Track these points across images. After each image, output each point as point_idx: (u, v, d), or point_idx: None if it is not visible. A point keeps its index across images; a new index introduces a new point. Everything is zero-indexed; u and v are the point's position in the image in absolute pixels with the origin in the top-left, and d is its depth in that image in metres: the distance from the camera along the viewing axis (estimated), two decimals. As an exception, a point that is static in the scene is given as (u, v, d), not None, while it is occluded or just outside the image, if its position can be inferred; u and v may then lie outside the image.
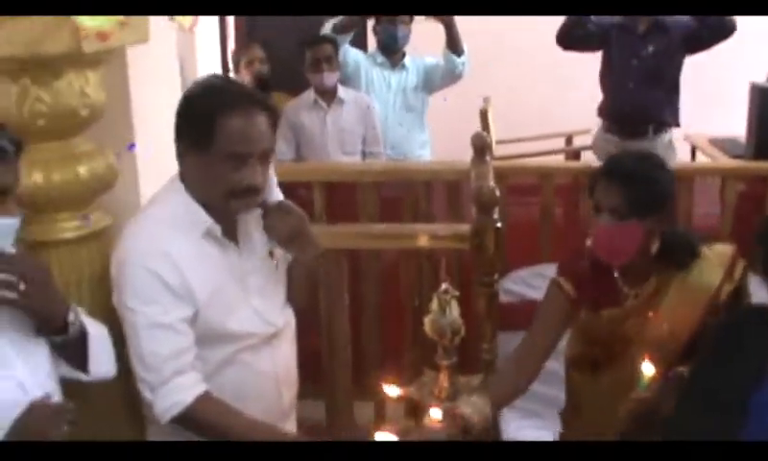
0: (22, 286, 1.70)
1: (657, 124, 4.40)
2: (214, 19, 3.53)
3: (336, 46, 4.26)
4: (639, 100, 4.34)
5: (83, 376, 1.92)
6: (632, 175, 2.16)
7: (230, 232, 2.12)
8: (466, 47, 4.45)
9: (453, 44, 4.39)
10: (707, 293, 2.22)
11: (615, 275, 2.29)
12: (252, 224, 2.16)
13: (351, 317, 3.00)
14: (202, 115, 1.96)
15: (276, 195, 2.25)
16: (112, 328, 2.07)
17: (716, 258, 2.27)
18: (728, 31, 4.16)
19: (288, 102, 4.47)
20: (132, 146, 2.35)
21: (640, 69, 4.35)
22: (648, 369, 2.03)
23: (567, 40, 4.46)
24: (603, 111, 4.59)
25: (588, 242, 2.29)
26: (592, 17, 4.36)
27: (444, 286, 2.10)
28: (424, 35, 4.62)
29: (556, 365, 2.51)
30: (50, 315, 1.79)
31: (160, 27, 2.11)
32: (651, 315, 2.25)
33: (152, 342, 1.99)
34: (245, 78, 4.56)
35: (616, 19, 4.45)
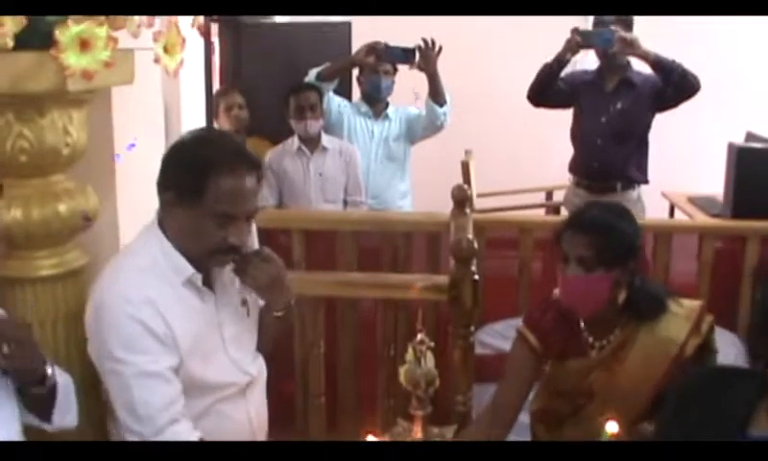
0: (5, 349, 1.73)
1: (625, 180, 4.41)
2: (200, 63, 3.55)
3: (321, 94, 4.29)
4: (607, 156, 4.36)
5: (46, 426, 1.91)
6: (598, 226, 2.20)
7: (207, 281, 2.11)
8: (449, 97, 4.48)
9: (436, 94, 4.43)
10: (673, 346, 2.25)
11: (581, 325, 2.32)
12: (226, 272, 2.14)
13: (326, 364, 2.99)
14: (194, 169, 1.95)
15: (253, 241, 2.24)
16: (86, 369, 2.06)
17: (683, 312, 2.31)
18: (692, 90, 4.18)
19: (268, 148, 4.49)
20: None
21: (609, 126, 4.37)
22: (612, 427, 1.99)
23: (538, 98, 4.48)
24: (573, 167, 4.62)
25: (555, 293, 2.34)
26: (562, 74, 4.41)
27: (419, 337, 2.10)
28: (408, 85, 4.68)
29: (525, 418, 2.52)
30: (31, 372, 1.81)
31: (146, 69, 2.12)
32: (616, 367, 2.26)
33: (143, 391, 1.94)
34: (223, 123, 4.58)
35: (586, 77, 4.53)
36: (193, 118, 3.49)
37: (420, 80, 4.50)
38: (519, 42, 6.79)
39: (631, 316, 2.28)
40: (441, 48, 4.34)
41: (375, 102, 4.58)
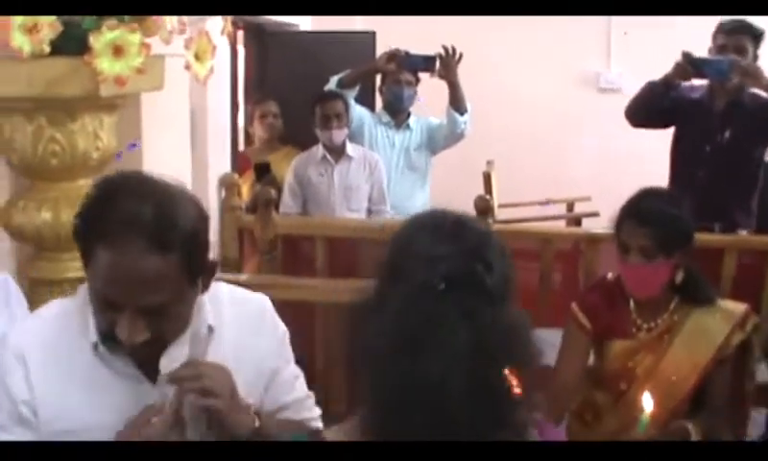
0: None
1: (726, 223, 3.75)
2: (226, 70, 3.58)
3: (346, 103, 4.30)
4: (709, 192, 3.67)
5: None
6: (657, 216, 2.27)
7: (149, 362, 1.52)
8: (469, 106, 4.48)
9: (456, 102, 4.42)
10: (719, 336, 2.32)
11: (631, 307, 2.39)
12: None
13: (348, 373, 3.00)
14: (83, 227, 1.45)
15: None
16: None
17: (731, 308, 2.39)
18: None
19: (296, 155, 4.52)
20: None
21: (713, 157, 3.74)
22: (648, 403, 2.03)
23: (638, 118, 3.94)
24: None
25: (609, 276, 2.45)
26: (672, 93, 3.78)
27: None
28: (430, 94, 4.69)
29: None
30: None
31: (175, 75, 2.15)
32: (661, 351, 2.33)
33: None
34: (258, 130, 4.62)
35: (693, 95, 3.85)
36: (218, 125, 3.51)
37: (441, 88, 4.50)
38: (543, 52, 6.82)
39: (682, 301, 2.36)
40: (461, 56, 4.34)
41: (397, 112, 4.59)
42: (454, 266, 1.23)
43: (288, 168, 4.35)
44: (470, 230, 1.30)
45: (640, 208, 2.31)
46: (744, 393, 2.60)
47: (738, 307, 2.40)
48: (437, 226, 1.30)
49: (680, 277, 2.31)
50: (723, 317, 2.35)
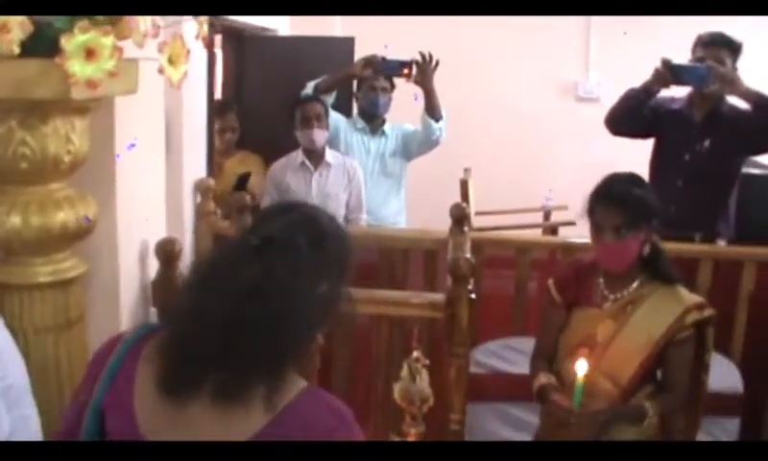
0: None
1: (706, 232, 3.85)
2: (203, 74, 3.56)
3: (326, 107, 4.29)
4: (689, 201, 3.77)
5: None
6: (626, 196, 2.50)
7: None
8: (445, 113, 4.48)
9: (432, 109, 4.43)
10: (675, 313, 2.53)
11: (600, 280, 2.62)
12: None
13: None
14: None
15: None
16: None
17: (690, 295, 2.61)
18: None
19: (256, 163, 4.52)
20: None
21: (693, 166, 3.83)
22: (581, 367, 2.35)
23: (618, 125, 3.99)
24: None
25: (580, 256, 2.75)
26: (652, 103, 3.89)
27: (414, 354, 2.11)
28: (406, 101, 4.68)
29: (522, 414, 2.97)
30: None
31: (149, 78, 2.13)
32: (623, 319, 2.55)
33: None
34: (215, 142, 4.59)
35: (673, 105, 3.95)
36: (194, 129, 3.49)
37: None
38: (521, 60, 6.84)
39: (648, 276, 2.59)
40: (438, 62, 4.34)
41: (372, 118, 4.59)
42: (276, 232, 1.50)
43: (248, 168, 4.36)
44: (311, 216, 1.58)
45: (610, 191, 2.53)
46: (700, 383, 2.71)
47: (697, 297, 2.63)
48: (291, 208, 1.63)
49: (647, 250, 2.55)
50: (681, 298, 2.57)
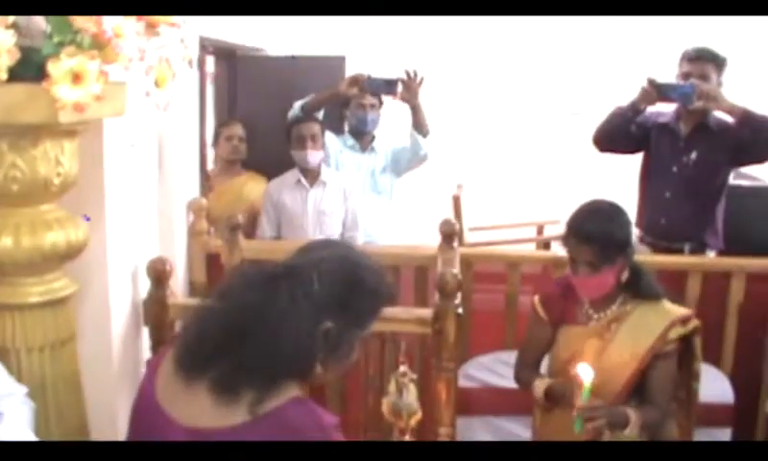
0: None
1: (695, 243, 3.91)
2: (195, 97, 3.59)
3: (322, 126, 4.31)
4: (677, 213, 3.88)
5: None
6: (597, 235, 2.50)
7: None
8: (431, 129, 4.50)
9: (419, 125, 4.44)
10: (659, 328, 2.55)
11: (584, 300, 2.65)
12: None
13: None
14: None
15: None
16: (71, 397, 2.08)
17: (674, 309, 2.62)
18: None
19: (262, 184, 4.53)
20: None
21: (680, 178, 3.89)
22: (586, 373, 2.34)
23: (606, 143, 4.04)
24: (638, 221, 4.04)
25: (564, 274, 2.71)
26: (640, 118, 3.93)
27: (401, 368, 2.13)
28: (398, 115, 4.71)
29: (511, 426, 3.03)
30: None
31: (139, 100, 2.16)
32: (608, 337, 2.58)
33: None
34: (222, 152, 4.64)
35: (660, 120, 4.00)
36: (186, 149, 3.52)
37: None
38: (513, 76, 6.88)
39: (629, 294, 2.61)
40: (423, 79, 4.36)
41: (362, 135, 4.61)
42: (297, 265, 1.72)
43: (250, 191, 4.38)
44: (329, 254, 1.78)
45: (580, 229, 2.53)
46: (691, 390, 2.76)
47: (682, 310, 2.64)
48: (330, 246, 1.89)
49: (625, 276, 2.57)
50: (665, 313, 2.59)
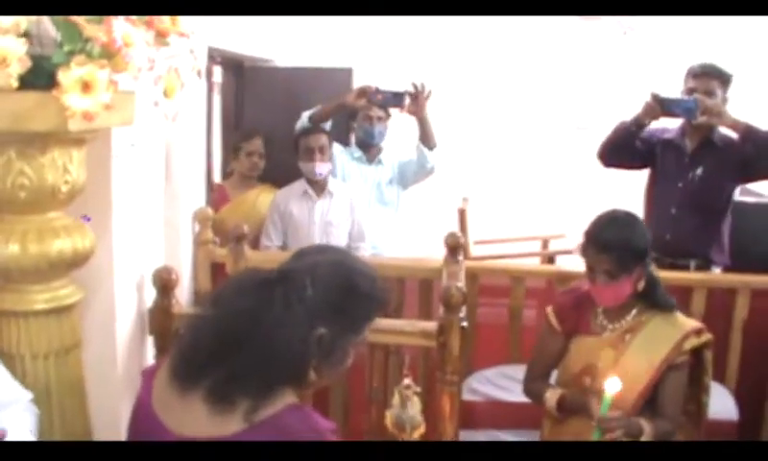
0: None
1: (700, 260, 3.89)
2: (203, 107, 3.60)
3: (330, 138, 4.31)
4: (682, 229, 3.86)
5: None
6: (615, 244, 2.53)
7: None
8: (438, 142, 4.51)
9: (426, 138, 4.46)
10: (673, 339, 2.57)
11: (598, 310, 2.69)
12: None
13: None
14: None
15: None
16: (76, 403, 2.08)
17: (687, 321, 2.66)
18: None
19: (269, 193, 4.53)
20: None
21: (685, 193, 3.88)
22: (614, 384, 2.35)
23: (610, 158, 4.04)
24: None
25: (578, 283, 2.75)
26: (645, 134, 3.93)
27: (405, 381, 2.14)
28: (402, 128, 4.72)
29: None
30: None
31: (147, 109, 2.17)
32: (622, 347, 2.61)
33: None
34: (241, 165, 4.62)
35: (666, 135, 4.00)
36: (193, 158, 3.53)
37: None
38: (519, 90, 6.90)
39: (645, 305, 2.64)
40: (430, 92, 4.37)
41: (369, 147, 4.62)
42: (291, 270, 1.72)
43: (262, 203, 4.38)
44: (323, 259, 1.78)
45: (599, 237, 2.57)
46: (701, 404, 2.79)
47: (694, 322, 2.69)
48: (326, 251, 1.92)
49: (641, 285, 2.59)
50: (679, 324, 2.62)
